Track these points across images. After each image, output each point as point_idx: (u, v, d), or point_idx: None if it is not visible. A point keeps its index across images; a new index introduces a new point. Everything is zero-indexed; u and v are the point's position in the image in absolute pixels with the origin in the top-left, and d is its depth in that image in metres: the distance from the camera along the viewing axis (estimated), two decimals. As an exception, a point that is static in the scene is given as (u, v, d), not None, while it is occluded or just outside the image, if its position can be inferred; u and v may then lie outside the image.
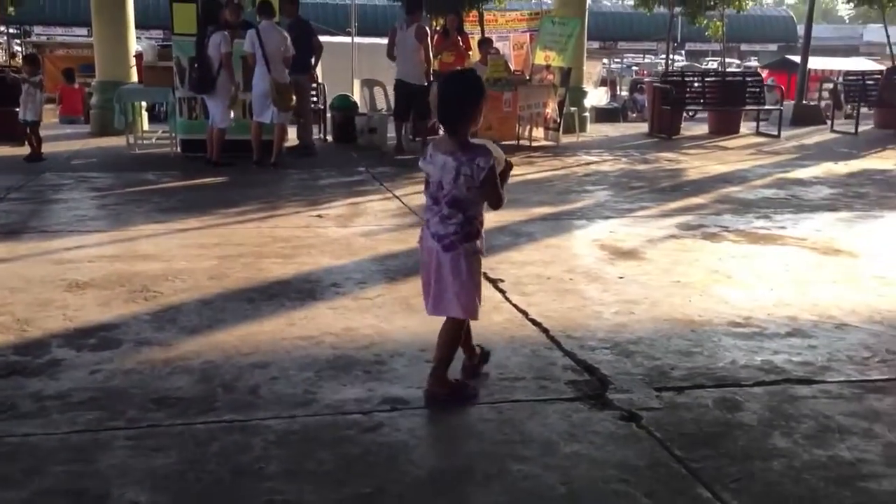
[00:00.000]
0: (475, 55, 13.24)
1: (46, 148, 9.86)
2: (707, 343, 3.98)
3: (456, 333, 3.35)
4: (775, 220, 6.86)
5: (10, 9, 13.46)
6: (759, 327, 4.20)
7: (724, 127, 13.83)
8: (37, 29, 34.39)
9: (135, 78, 11.82)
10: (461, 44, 11.72)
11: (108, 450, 2.89)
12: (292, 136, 10.59)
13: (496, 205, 3.31)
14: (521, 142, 11.48)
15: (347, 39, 15.16)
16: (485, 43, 12.43)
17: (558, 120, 11.79)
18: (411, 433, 3.05)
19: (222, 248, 5.66)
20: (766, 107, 14.37)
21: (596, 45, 35.55)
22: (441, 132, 3.72)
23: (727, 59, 25.29)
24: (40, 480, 2.70)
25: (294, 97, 9.46)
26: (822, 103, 18.26)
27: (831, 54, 35.34)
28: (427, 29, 10.75)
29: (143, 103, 11.83)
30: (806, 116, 15.37)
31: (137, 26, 13.31)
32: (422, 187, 3.45)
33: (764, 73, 21.96)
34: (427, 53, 10.54)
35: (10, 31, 30.58)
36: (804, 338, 4.06)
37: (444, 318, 3.36)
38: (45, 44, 27.03)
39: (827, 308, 4.51)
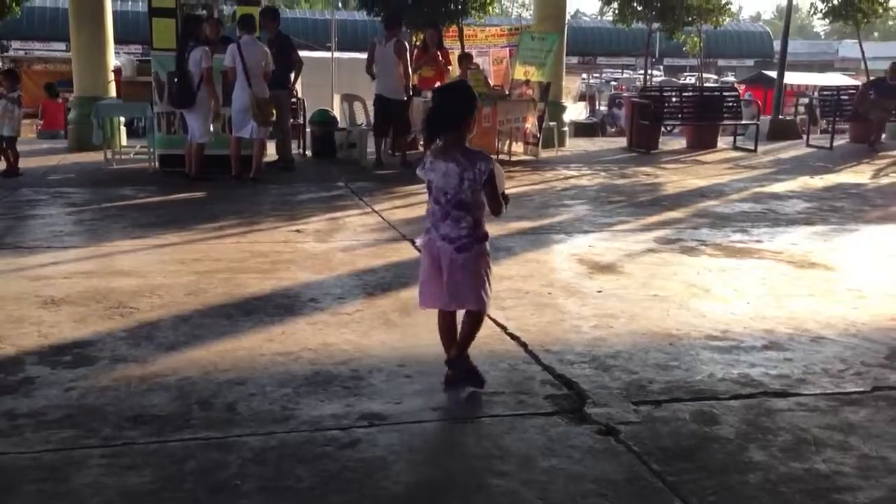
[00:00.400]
0: (455, 70, 13.27)
1: (23, 163, 9.77)
2: (685, 356, 4.00)
3: (478, 325, 3.58)
4: (752, 233, 6.92)
5: (-13, 23, 13.37)
6: (736, 340, 4.23)
7: (702, 141, 13.95)
8: (14, 44, 34.20)
9: (113, 93, 11.76)
10: (441, 59, 11.76)
11: (83, 468, 2.86)
12: (271, 151, 10.57)
13: (497, 210, 3.51)
14: (501, 156, 11.48)
15: (327, 54, 15.18)
16: (465, 58, 12.47)
17: (538, 134, 11.84)
18: (389, 449, 3.04)
19: (200, 264, 5.63)
20: (743, 121, 14.52)
21: (575, 60, 35.85)
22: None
23: (705, 75, 25.53)
24: (12, 500, 2.66)
25: (274, 112, 9.45)
26: (798, 118, 18.48)
27: (807, 69, 35.84)
28: (406, 44, 10.79)
29: (122, 118, 11.76)
30: (782, 131, 15.53)
31: (116, 41, 13.24)
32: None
33: (741, 89, 22.20)
34: (406, 68, 10.58)
35: (-12, 45, 30.40)
36: (781, 351, 4.09)
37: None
38: (23, 59, 26.86)
39: (803, 321, 4.55)
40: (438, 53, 11.75)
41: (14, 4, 12.90)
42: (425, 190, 3.55)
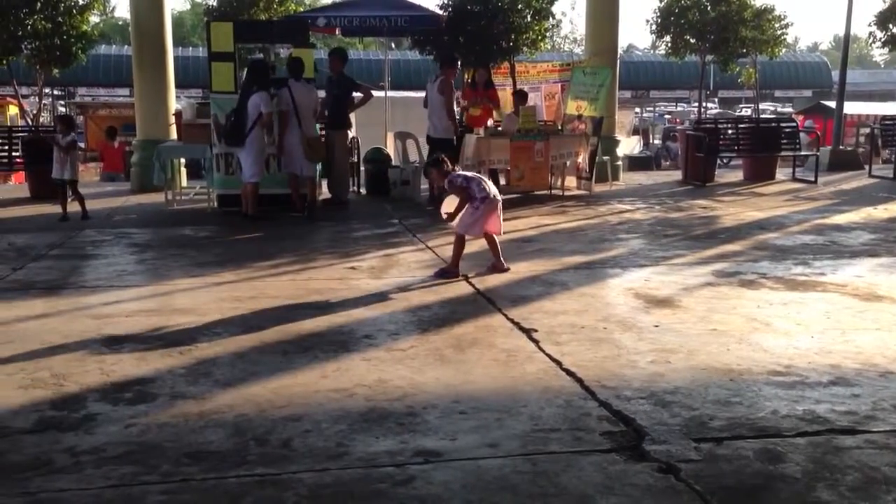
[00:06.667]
0: (507, 106, 13.33)
1: (88, 205, 9.94)
2: (746, 392, 3.89)
3: None
4: (814, 266, 6.76)
5: (55, 70, 13.87)
6: (800, 376, 4.11)
7: (760, 173, 13.75)
8: (80, 90, 35.49)
9: (174, 136, 12.09)
10: (489, 98, 11.75)
11: (141, 504, 2.89)
12: (324, 189, 10.75)
13: None
14: (554, 191, 11.49)
15: (381, 94, 15.40)
16: (519, 95, 12.54)
17: (589, 169, 11.79)
18: (445, 486, 3.00)
19: (257, 301, 5.70)
20: (803, 153, 14.27)
21: (628, 94, 35.77)
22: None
23: (762, 105, 25.21)
24: (73, 536, 2.69)
25: (324, 150, 9.71)
26: (860, 148, 18.10)
27: (867, 99, 35.17)
28: (452, 83, 10.83)
29: (182, 160, 12.07)
30: (843, 162, 15.22)
31: (177, 86, 13.63)
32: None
33: (799, 119, 21.87)
34: (450, 107, 10.58)
35: (55, 92, 31.55)
36: (847, 386, 3.96)
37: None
38: (89, 104, 27.87)
39: (870, 356, 4.40)
40: (486, 92, 11.79)
41: (80, 52, 13.44)
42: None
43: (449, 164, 6.64)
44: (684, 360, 4.36)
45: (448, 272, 6.39)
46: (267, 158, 9.75)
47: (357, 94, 10.88)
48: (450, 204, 6.51)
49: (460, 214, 6.43)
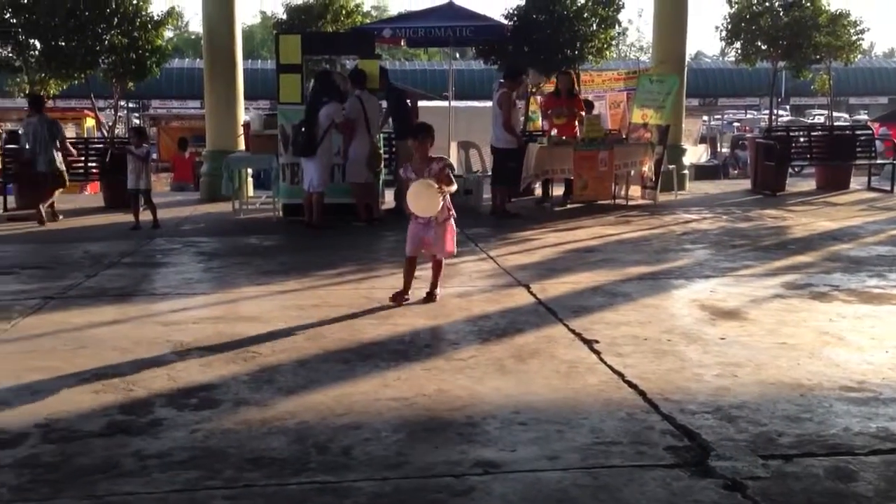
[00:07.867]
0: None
1: (158, 214, 10.20)
2: (817, 408, 3.78)
3: None
4: (890, 278, 6.53)
5: (130, 84, 14.30)
6: (874, 392, 3.97)
7: (833, 182, 13.38)
8: (154, 102, 36.56)
9: (242, 146, 12.33)
10: (574, 106, 11.50)
11: (205, 509, 2.93)
12: (389, 198, 10.83)
13: None
14: (618, 200, 11.36)
15: (445, 104, 15.45)
16: (584, 104, 12.43)
17: (654, 178, 11.61)
18: (503, 498, 2.98)
19: (320, 310, 5.76)
20: (878, 161, 13.84)
21: (695, 101, 35.19)
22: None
23: (835, 113, 24.49)
24: (139, 538, 2.75)
25: (381, 159, 10.27)
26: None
27: (947, 105, 33.93)
28: (511, 96, 10.68)
29: (250, 170, 12.30)
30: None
31: (245, 97, 13.91)
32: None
33: (875, 126, 21.20)
34: (507, 118, 10.46)
35: (130, 104, 32.53)
36: (924, 403, 3.81)
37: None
38: (162, 116, 28.71)
39: (949, 372, 4.23)
40: (570, 100, 11.58)
41: (154, 66, 13.83)
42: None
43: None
44: (752, 375, 4.25)
45: (402, 296, 5.93)
46: (332, 168, 9.88)
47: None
48: (429, 198, 5.82)
49: (414, 234, 6.01)
